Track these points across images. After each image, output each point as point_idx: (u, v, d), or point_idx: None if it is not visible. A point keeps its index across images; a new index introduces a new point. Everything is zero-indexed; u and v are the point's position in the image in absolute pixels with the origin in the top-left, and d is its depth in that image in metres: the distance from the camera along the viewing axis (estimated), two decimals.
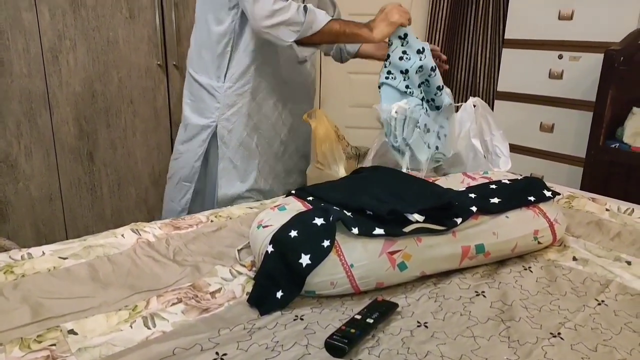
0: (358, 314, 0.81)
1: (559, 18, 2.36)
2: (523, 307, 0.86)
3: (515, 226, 1.04)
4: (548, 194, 1.12)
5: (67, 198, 2.12)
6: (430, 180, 1.24)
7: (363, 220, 0.93)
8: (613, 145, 2.06)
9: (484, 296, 0.90)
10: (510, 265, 1.03)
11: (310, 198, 1.06)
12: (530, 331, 0.80)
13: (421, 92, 1.38)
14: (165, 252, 1.03)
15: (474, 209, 1.00)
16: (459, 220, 0.97)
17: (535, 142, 2.52)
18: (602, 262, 1.04)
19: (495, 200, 1.06)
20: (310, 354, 0.73)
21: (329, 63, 3.09)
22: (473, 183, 1.19)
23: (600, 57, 2.03)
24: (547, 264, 1.03)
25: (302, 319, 0.82)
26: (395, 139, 1.34)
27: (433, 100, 1.40)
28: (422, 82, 1.38)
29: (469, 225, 0.99)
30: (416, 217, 0.93)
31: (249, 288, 0.91)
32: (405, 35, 1.35)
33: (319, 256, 0.87)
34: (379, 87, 1.37)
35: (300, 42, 1.34)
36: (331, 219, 0.91)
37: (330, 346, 0.73)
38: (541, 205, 1.10)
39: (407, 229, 0.92)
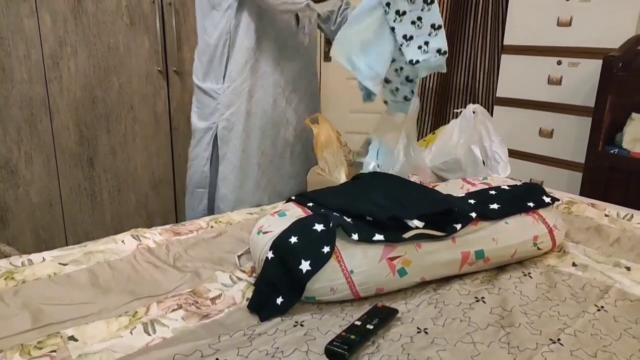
0: (358, 320, 0.81)
1: (558, 24, 2.37)
2: (523, 313, 0.86)
3: (514, 232, 1.04)
4: (547, 199, 1.13)
5: (67, 204, 2.12)
6: (430, 186, 1.24)
7: (363, 226, 0.93)
8: (612, 151, 2.07)
9: (483, 302, 0.90)
10: (509, 271, 1.03)
11: (310, 204, 1.06)
12: (530, 337, 0.80)
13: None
14: (165, 258, 1.03)
15: (473, 215, 1.01)
16: (458, 226, 0.97)
17: (535, 148, 2.52)
18: (602, 268, 1.04)
19: (495, 206, 1.06)
20: None
21: (329, 69, 3.11)
22: (472, 189, 1.19)
23: (599, 63, 2.04)
24: (547, 270, 1.04)
25: (302, 325, 0.82)
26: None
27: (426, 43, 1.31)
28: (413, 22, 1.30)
29: (468, 231, 1.00)
30: (416, 223, 0.93)
31: (249, 294, 0.91)
32: None
33: (319, 262, 0.87)
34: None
35: None
36: (331, 225, 0.91)
37: (330, 352, 0.73)
38: (540, 211, 1.10)
39: (407, 235, 0.92)
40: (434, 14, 1.27)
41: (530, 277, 1.00)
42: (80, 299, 0.87)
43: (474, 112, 1.56)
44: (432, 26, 1.27)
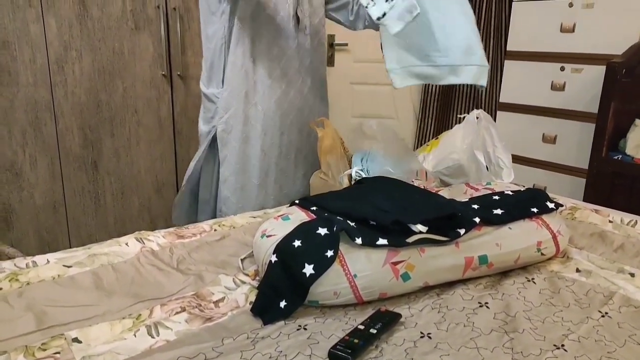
0: (361, 324, 0.81)
1: (561, 30, 2.37)
2: (526, 319, 0.86)
3: (518, 237, 1.04)
4: (551, 205, 1.13)
5: (70, 206, 2.13)
6: (434, 191, 1.24)
7: (366, 230, 0.93)
8: (616, 157, 2.07)
9: (487, 307, 0.90)
10: (513, 276, 1.03)
11: (314, 208, 1.06)
12: (534, 343, 0.79)
13: None
14: (169, 260, 1.04)
15: (477, 220, 1.01)
16: (462, 231, 0.97)
17: (538, 154, 2.52)
18: (606, 274, 1.04)
19: (499, 211, 1.06)
20: None
21: (332, 74, 3.11)
22: (476, 194, 1.19)
23: (602, 69, 2.04)
24: (551, 276, 1.03)
25: (305, 329, 0.82)
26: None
27: None
28: None
29: (472, 236, 0.99)
30: (419, 227, 0.93)
31: (253, 297, 0.91)
32: None
33: (322, 266, 0.87)
34: None
35: None
36: (335, 229, 0.91)
37: (333, 356, 0.73)
38: (544, 217, 1.10)
39: (410, 240, 0.92)
40: None
41: (534, 282, 1.00)
42: (84, 301, 0.87)
43: (477, 118, 1.56)
44: None
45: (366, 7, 1.11)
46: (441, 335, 0.81)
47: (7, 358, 0.71)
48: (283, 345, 0.77)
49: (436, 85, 3.06)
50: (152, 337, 0.78)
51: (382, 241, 0.91)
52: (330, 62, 3.19)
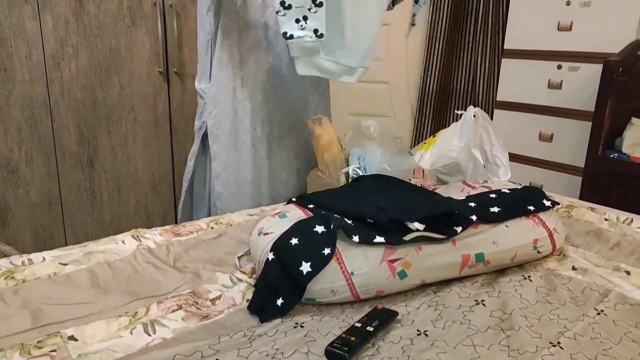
0: (358, 321, 0.81)
1: (558, 29, 2.38)
2: (523, 316, 0.86)
3: (515, 235, 1.04)
4: (547, 203, 1.13)
5: (66, 204, 2.12)
6: (431, 189, 1.24)
7: (364, 228, 0.93)
8: (612, 155, 2.07)
9: (483, 305, 0.90)
10: (509, 274, 1.03)
11: (311, 206, 1.06)
12: (530, 340, 0.80)
13: None
14: (165, 258, 1.03)
15: (474, 217, 1.01)
16: (459, 229, 0.97)
17: (535, 152, 2.53)
18: (602, 272, 1.04)
19: (495, 209, 1.06)
20: None
21: None
22: (473, 192, 1.20)
23: (599, 67, 2.05)
24: (547, 273, 1.04)
25: (302, 327, 0.82)
26: None
27: None
28: None
29: (469, 234, 1.00)
30: (416, 225, 0.93)
31: (249, 295, 0.91)
32: None
33: (319, 264, 0.87)
34: None
35: None
36: (332, 226, 0.91)
37: (330, 354, 0.73)
38: (541, 215, 1.10)
39: (407, 238, 0.92)
40: None
41: (530, 280, 1.00)
42: (81, 298, 0.87)
43: (474, 116, 1.56)
44: (314, 1, 1.13)
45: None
46: (438, 333, 0.81)
47: (3, 356, 0.71)
48: (280, 343, 0.77)
49: (434, 84, 3.06)
50: (149, 335, 0.78)
51: (379, 239, 0.91)
52: None
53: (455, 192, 1.21)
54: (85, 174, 2.14)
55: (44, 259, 0.99)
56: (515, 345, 0.78)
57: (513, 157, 2.02)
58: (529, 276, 1.02)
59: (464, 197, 1.14)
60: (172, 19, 2.20)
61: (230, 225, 1.24)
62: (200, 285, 0.94)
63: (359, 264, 0.89)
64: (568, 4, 2.32)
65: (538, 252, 1.07)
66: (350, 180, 1.42)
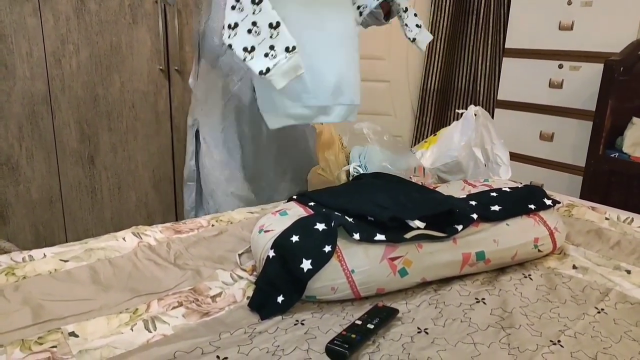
0: (359, 319, 0.81)
1: (560, 28, 2.37)
2: (523, 315, 0.86)
3: (515, 234, 1.04)
4: (548, 202, 1.13)
5: (67, 201, 2.12)
6: (432, 187, 1.24)
7: (364, 226, 0.93)
8: (613, 155, 2.07)
9: (484, 303, 0.90)
10: (510, 272, 1.03)
11: (312, 203, 1.06)
12: (531, 338, 0.80)
13: None
14: (166, 255, 1.03)
15: (474, 216, 1.01)
16: (459, 227, 0.97)
17: (535, 151, 2.53)
18: (602, 271, 1.04)
19: (496, 207, 1.06)
20: (311, 358, 0.73)
21: None
22: (474, 190, 1.19)
23: (600, 67, 2.05)
24: (547, 272, 1.04)
25: (302, 324, 0.82)
26: None
27: None
28: None
29: (469, 233, 1.00)
30: (417, 223, 0.93)
31: (250, 292, 0.91)
32: None
33: (320, 261, 0.87)
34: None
35: None
36: (333, 224, 0.91)
37: (331, 351, 0.73)
38: (541, 214, 1.10)
39: (408, 236, 0.92)
40: (266, 12, 1.07)
41: (531, 279, 1.00)
42: (81, 295, 0.87)
43: (475, 115, 1.56)
44: (270, 25, 1.08)
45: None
46: (438, 331, 0.81)
47: (4, 352, 0.71)
48: (280, 340, 0.77)
49: (434, 83, 3.06)
50: (149, 332, 0.78)
51: (380, 237, 0.91)
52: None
53: (456, 190, 1.21)
54: (86, 171, 2.14)
55: (44, 255, 0.99)
56: (515, 344, 0.78)
57: (514, 157, 2.02)
58: (530, 275, 1.02)
59: (464, 196, 1.14)
60: (173, 16, 2.20)
61: (231, 222, 1.24)
62: (200, 283, 0.94)
63: (360, 262, 0.89)
64: (569, 3, 2.32)
65: (539, 250, 1.07)
66: (351, 178, 1.42)
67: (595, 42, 2.27)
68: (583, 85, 2.33)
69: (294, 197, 1.13)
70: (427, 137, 2.42)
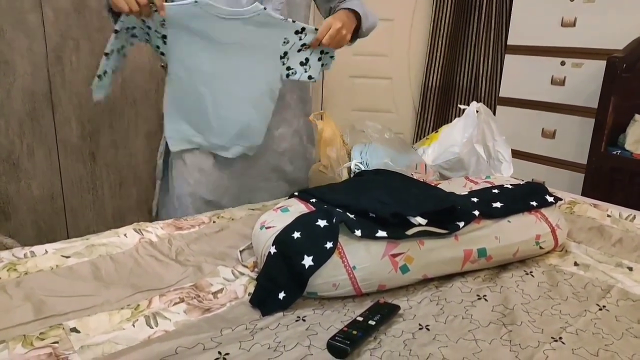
0: (360, 315, 0.81)
1: (562, 25, 2.37)
2: (524, 312, 0.86)
3: (517, 231, 1.04)
4: (550, 199, 1.13)
5: (68, 197, 2.12)
6: (433, 184, 1.24)
7: (366, 222, 0.93)
8: (615, 152, 2.07)
9: (485, 300, 0.90)
10: (511, 269, 1.03)
11: (313, 200, 1.06)
12: (532, 335, 0.80)
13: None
14: (167, 252, 1.03)
15: (476, 213, 1.01)
16: (461, 224, 0.97)
17: (537, 148, 2.53)
18: (604, 268, 1.04)
19: (498, 204, 1.06)
20: (312, 354, 0.73)
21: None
22: (475, 187, 1.19)
23: (602, 64, 2.04)
24: (549, 269, 1.04)
25: (304, 320, 0.82)
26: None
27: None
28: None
29: (471, 229, 1.00)
30: (419, 220, 0.93)
31: (251, 289, 0.91)
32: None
33: (321, 258, 0.87)
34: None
35: None
36: (334, 220, 0.91)
37: (332, 347, 0.73)
38: (543, 211, 1.10)
39: (409, 232, 0.92)
40: (310, 36, 1.29)
41: (532, 275, 1.00)
42: (83, 291, 0.87)
43: (477, 112, 1.56)
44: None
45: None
46: (439, 327, 0.81)
47: (6, 347, 0.71)
48: (282, 336, 0.77)
49: (436, 80, 3.05)
50: (151, 328, 0.78)
51: (381, 233, 0.91)
52: None
53: (458, 187, 1.21)
54: (87, 168, 2.14)
55: (46, 251, 0.99)
56: (517, 340, 0.78)
57: (515, 154, 2.02)
58: (531, 272, 1.02)
59: (466, 193, 1.14)
60: None
61: (232, 219, 1.24)
62: (202, 279, 0.94)
63: (361, 258, 0.89)
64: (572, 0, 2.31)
65: (540, 247, 1.07)
66: (352, 175, 1.42)
67: (598, 39, 2.26)
68: (585, 82, 2.32)
69: (296, 193, 1.13)
70: (428, 134, 2.42)
